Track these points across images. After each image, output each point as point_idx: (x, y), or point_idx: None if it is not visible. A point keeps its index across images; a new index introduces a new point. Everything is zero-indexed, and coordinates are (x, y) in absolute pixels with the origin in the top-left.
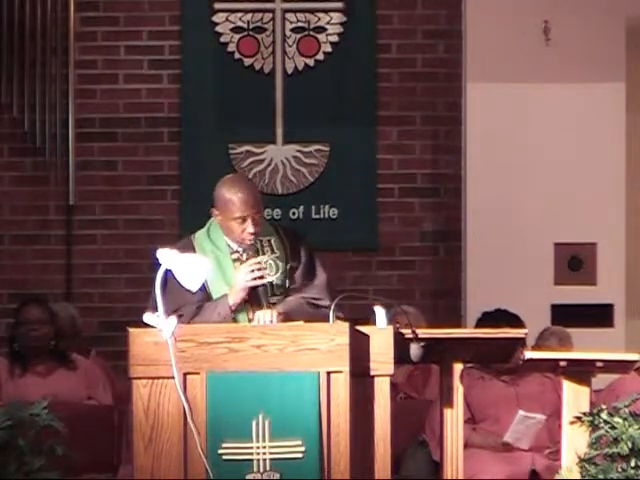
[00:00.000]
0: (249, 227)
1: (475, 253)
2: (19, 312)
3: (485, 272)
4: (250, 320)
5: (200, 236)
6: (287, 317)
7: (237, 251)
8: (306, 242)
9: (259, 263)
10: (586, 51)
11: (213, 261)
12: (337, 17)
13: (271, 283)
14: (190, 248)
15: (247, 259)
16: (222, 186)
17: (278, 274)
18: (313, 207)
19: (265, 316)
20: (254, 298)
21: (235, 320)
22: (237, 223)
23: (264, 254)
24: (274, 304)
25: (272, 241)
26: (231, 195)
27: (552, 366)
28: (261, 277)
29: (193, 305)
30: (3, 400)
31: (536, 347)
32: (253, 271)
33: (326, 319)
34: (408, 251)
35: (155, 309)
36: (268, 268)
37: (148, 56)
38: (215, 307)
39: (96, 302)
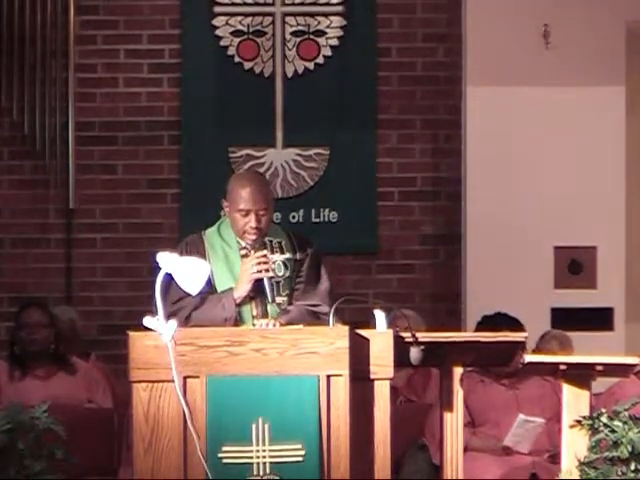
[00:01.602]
0: (251, 221)
1: (475, 256)
2: (19, 315)
3: (485, 275)
4: (254, 317)
5: (210, 233)
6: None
7: (246, 247)
8: (317, 248)
9: (265, 256)
10: (586, 55)
11: (222, 257)
12: (337, 21)
13: (278, 283)
14: (200, 243)
15: None
16: (235, 178)
17: (286, 275)
18: (313, 211)
19: (268, 325)
20: (258, 294)
21: (239, 314)
22: (241, 215)
23: (273, 254)
24: (279, 304)
25: (283, 243)
26: (239, 188)
27: (552, 370)
28: (267, 270)
29: (197, 296)
30: (3, 403)
31: (537, 351)
32: (259, 264)
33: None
34: (408, 254)
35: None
36: (277, 269)
37: (148, 60)
38: (220, 299)
39: (96, 305)
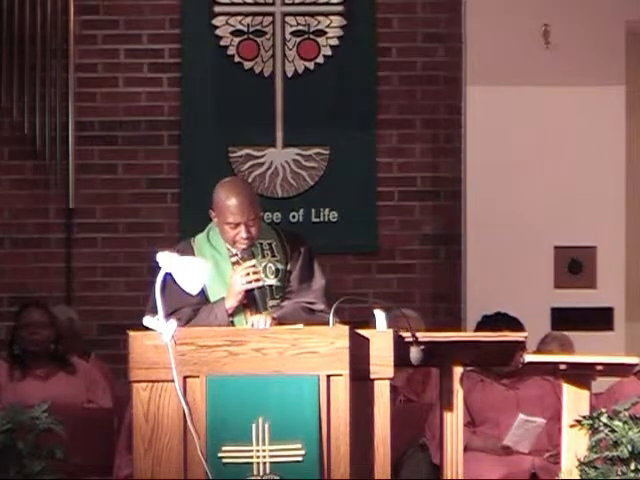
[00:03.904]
0: (242, 232)
1: (475, 256)
2: (19, 315)
3: (485, 275)
4: (247, 323)
5: (200, 240)
6: (282, 323)
7: (236, 254)
8: (308, 245)
9: (254, 266)
10: (586, 54)
11: (212, 265)
12: (337, 20)
13: (270, 286)
14: (190, 251)
15: None
16: (219, 189)
17: (277, 278)
18: (313, 210)
19: (259, 322)
20: (251, 301)
21: (232, 324)
22: (230, 227)
23: (264, 257)
24: (272, 307)
25: (273, 245)
26: (226, 200)
27: (552, 369)
28: (257, 280)
29: (190, 308)
30: (3, 403)
31: (537, 352)
32: (248, 274)
33: (322, 324)
34: (408, 254)
35: (154, 312)
36: (267, 271)
37: (148, 59)
38: (212, 310)
39: (96, 305)
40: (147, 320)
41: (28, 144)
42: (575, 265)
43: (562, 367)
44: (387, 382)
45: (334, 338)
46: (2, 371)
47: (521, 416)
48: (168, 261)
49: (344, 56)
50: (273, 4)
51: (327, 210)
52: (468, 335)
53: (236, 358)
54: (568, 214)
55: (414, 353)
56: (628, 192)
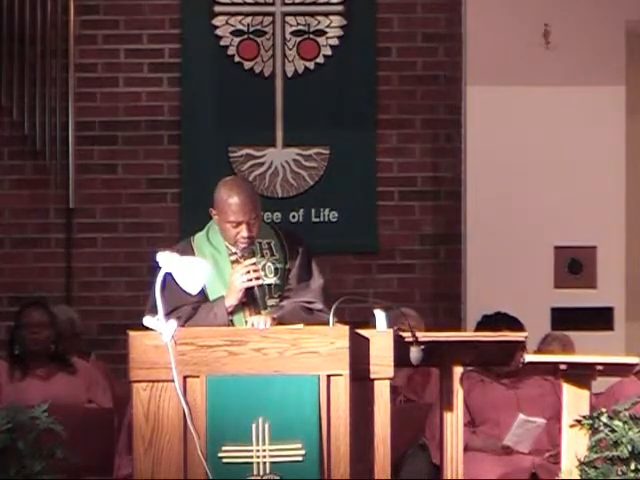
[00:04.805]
0: (243, 232)
1: (475, 256)
2: (20, 315)
3: (485, 275)
4: (247, 323)
5: (199, 238)
6: (281, 323)
7: (235, 253)
8: (306, 245)
9: (254, 264)
10: (586, 54)
11: (211, 263)
12: (337, 20)
13: (269, 285)
14: (189, 250)
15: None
16: (221, 188)
17: (277, 276)
18: (313, 210)
19: (259, 322)
20: (251, 300)
21: (232, 322)
22: (232, 226)
23: (263, 257)
24: (272, 306)
25: (272, 244)
26: (228, 199)
27: (552, 369)
28: (257, 278)
29: (189, 306)
30: (3, 403)
31: (538, 352)
32: (248, 272)
33: (320, 324)
34: (408, 254)
35: (153, 312)
36: (267, 270)
37: (148, 59)
38: (211, 308)
39: (96, 305)
40: (147, 320)
41: (28, 144)
42: (575, 265)
43: (562, 367)
44: (387, 382)
45: (334, 338)
46: (2, 371)
47: (521, 416)
48: (168, 261)
49: (344, 56)
50: (273, 4)
51: (327, 210)
52: (468, 335)
53: (236, 358)
54: (568, 214)
55: (414, 353)
56: (628, 192)
